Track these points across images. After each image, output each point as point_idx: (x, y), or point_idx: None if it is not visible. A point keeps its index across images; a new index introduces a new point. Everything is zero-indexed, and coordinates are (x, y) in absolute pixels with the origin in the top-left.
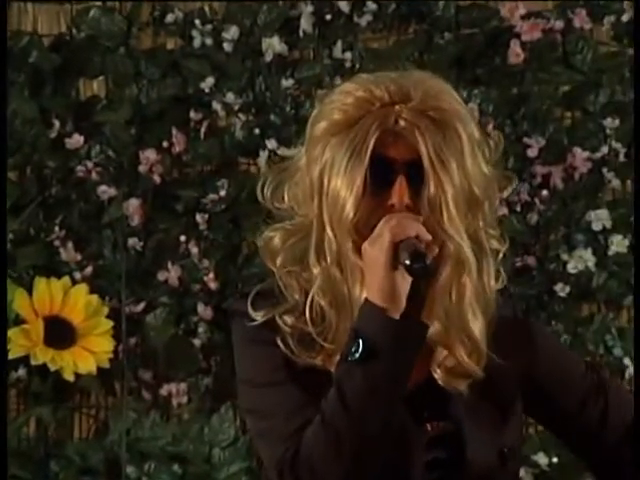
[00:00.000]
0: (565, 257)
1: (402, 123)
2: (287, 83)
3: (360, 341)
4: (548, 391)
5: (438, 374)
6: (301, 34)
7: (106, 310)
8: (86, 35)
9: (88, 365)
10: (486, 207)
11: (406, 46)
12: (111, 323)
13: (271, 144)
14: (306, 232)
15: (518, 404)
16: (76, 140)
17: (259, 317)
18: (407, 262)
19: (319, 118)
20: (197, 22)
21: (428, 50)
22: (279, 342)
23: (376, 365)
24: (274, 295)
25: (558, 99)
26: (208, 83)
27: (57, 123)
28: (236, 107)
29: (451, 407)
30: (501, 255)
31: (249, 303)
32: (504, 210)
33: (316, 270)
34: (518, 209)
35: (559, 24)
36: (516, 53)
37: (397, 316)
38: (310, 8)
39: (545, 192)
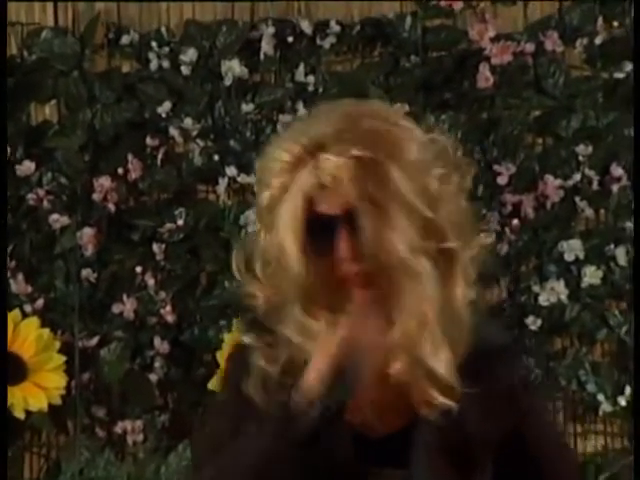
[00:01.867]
0: (537, 289)
1: (327, 178)
2: (247, 108)
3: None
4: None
5: (426, 411)
6: (262, 57)
7: (58, 344)
8: (37, 57)
9: (39, 402)
10: (449, 216)
11: (371, 69)
12: (63, 358)
13: (231, 171)
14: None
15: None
16: (27, 167)
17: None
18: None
19: (260, 187)
20: (154, 44)
21: (394, 73)
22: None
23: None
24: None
25: (529, 125)
26: (165, 107)
27: (7, 149)
28: (194, 132)
29: (413, 456)
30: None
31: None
32: None
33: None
34: None
35: (530, 47)
36: (485, 77)
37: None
38: (271, 30)
39: (516, 221)
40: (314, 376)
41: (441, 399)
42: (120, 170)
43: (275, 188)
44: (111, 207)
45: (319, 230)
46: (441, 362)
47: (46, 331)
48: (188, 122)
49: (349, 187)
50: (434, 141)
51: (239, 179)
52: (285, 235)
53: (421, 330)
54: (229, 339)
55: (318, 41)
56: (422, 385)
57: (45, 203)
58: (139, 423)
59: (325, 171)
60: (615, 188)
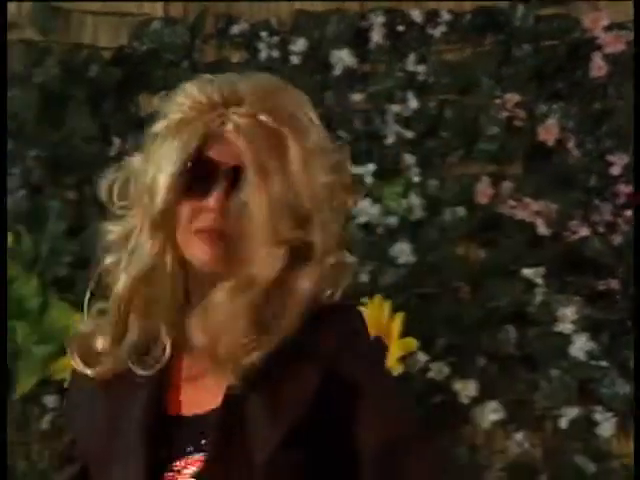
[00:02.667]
0: None
1: (229, 126)
2: (357, 97)
3: None
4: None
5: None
6: (372, 46)
7: None
8: (148, 48)
9: None
10: (325, 218)
11: (482, 58)
12: None
13: None
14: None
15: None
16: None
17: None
18: None
19: (161, 116)
20: (263, 34)
21: (506, 62)
22: None
23: None
24: None
25: None
26: None
27: (117, 140)
28: None
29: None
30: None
31: None
32: (586, 231)
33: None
34: (601, 230)
35: None
36: (599, 66)
37: None
38: (381, 19)
39: (629, 212)
40: None
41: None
42: None
43: (173, 120)
44: None
45: (200, 173)
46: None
47: None
48: None
49: (246, 145)
50: (336, 150)
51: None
52: (166, 164)
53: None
54: None
55: (429, 30)
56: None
57: None
58: None
59: (231, 122)
60: None
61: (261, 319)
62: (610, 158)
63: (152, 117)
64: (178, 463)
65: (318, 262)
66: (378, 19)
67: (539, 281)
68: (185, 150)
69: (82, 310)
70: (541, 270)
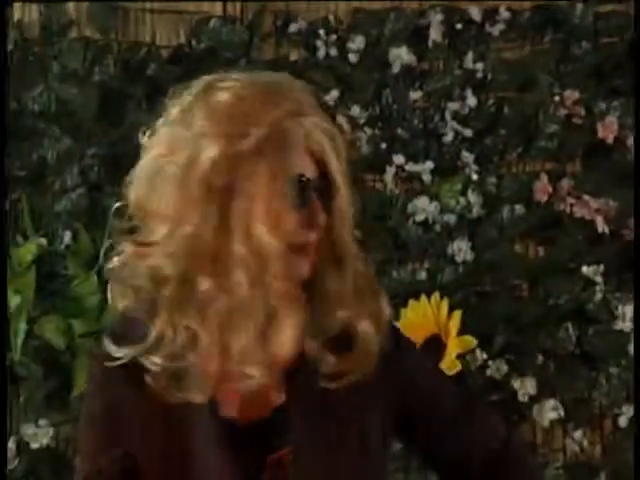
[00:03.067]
0: None
1: (311, 142)
2: (415, 95)
3: None
4: (418, 413)
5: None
6: (430, 44)
7: None
8: (206, 46)
9: None
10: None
11: (541, 56)
12: None
13: (398, 159)
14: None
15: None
16: None
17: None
18: None
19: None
20: (321, 32)
21: (565, 60)
22: (149, 381)
23: None
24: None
25: None
26: (333, 95)
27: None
28: (362, 121)
29: (292, 435)
30: None
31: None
32: None
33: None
34: None
35: None
36: None
37: None
38: (440, 16)
39: None
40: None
41: None
42: None
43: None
44: None
45: (301, 190)
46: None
47: None
48: (356, 110)
49: (330, 153)
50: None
51: (407, 167)
52: (275, 192)
53: (339, 307)
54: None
55: (487, 28)
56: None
57: None
58: None
59: (313, 137)
60: None
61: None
62: None
63: None
64: (269, 461)
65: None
66: (436, 17)
67: (598, 279)
68: (283, 171)
69: None
70: (600, 268)
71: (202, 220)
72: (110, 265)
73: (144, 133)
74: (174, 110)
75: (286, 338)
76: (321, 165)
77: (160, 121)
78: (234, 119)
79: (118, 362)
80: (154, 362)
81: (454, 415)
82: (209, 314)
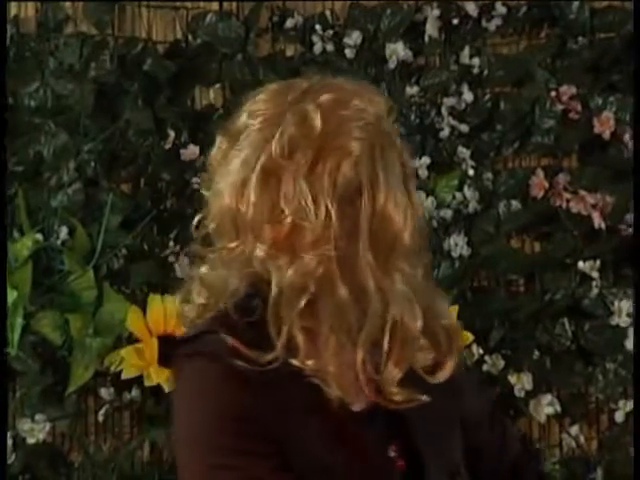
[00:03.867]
0: None
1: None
2: (412, 91)
3: None
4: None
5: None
6: (427, 39)
7: None
8: (202, 41)
9: None
10: None
11: (538, 51)
12: None
13: None
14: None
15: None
16: (192, 151)
17: (265, 360)
18: None
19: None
20: (318, 27)
21: (561, 55)
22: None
23: None
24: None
25: None
26: None
27: (172, 133)
28: None
29: (405, 429)
30: None
31: (242, 346)
32: None
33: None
34: None
35: None
36: None
37: None
38: (436, 12)
39: None
40: None
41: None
42: None
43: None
44: None
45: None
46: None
47: None
48: None
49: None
50: None
51: None
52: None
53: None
54: None
55: (483, 23)
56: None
57: None
58: None
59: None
60: None
61: None
62: None
63: (207, 110)
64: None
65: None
66: (433, 12)
67: (595, 274)
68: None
69: (137, 303)
70: (597, 263)
71: None
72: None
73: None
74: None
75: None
76: None
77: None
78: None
79: (268, 366)
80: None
81: (488, 420)
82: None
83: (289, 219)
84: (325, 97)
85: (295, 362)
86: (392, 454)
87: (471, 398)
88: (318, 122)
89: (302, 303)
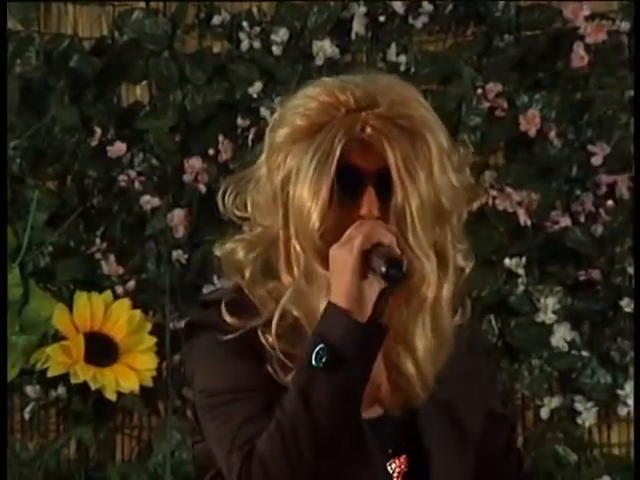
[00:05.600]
0: (631, 270)
1: (369, 131)
2: None
3: (325, 347)
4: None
5: (389, 397)
6: (353, 36)
7: (149, 326)
8: (129, 38)
9: (131, 383)
10: (454, 219)
11: (464, 49)
12: (155, 339)
13: None
14: (269, 243)
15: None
16: (118, 148)
17: (236, 329)
18: (383, 268)
19: (280, 124)
20: (245, 24)
21: (487, 53)
22: (264, 356)
23: (342, 372)
24: (246, 306)
25: (624, 104)
26: (256, 88)
27: (98, 130)
28: None
29: (419, 438)
30: (466, 274)
31: (225, 313)
32: (567, 221)
33: (287, 282)
34: (582, 220)
35: (625, 26)
36: (580, 56)
37: (363, 321)
38: (363, 9)
39: (610, 202)
40: (343, 296)
41: (414, 379)
42: (211, 151)
43: (300, 127)
44: (202, 188)
45: (348, 181)
46: (422, 344)
47: (137, 312)
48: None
49: (391, 148)
50: (462, 148)
51: None
52: (310, 179)
53: (417, 312)
54: None
55: (410, 20)
56: (401, 361)
57: (136, 184)
58: None
59: (371, 126)
60: None
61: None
62: (591, 148)
63: (134, 107)
64: (389, 465)
65: (454, 266)
66: (359, 9)
67: (520, 271)
68: (330, 158)
69: (63, 300)
70: (523, 260)
71: None
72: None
73: None
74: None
75: None
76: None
77: None
78: (286, 108)
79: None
80: (267, 339)
81: (504, 448)
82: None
83: None
84: None
85: None
86: (392, 465)
87: (491, 422)
88: None
89: None
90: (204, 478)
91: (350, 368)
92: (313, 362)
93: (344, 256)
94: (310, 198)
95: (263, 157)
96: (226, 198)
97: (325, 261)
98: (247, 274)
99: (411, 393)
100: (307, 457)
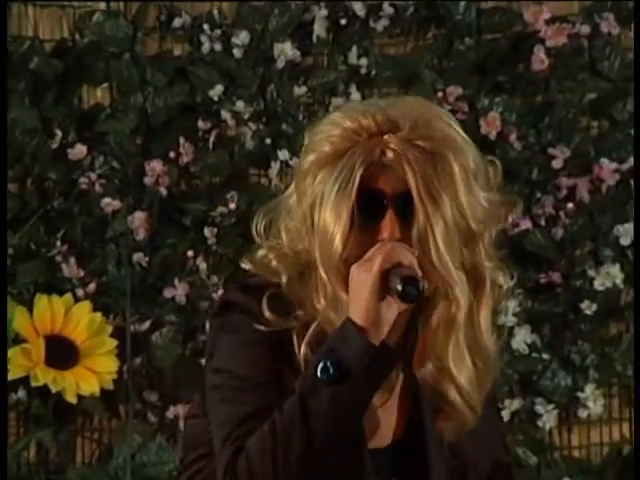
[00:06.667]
0: (592, 273)
1: (390, 154)
2: (300, 91)
3: (334, 361)
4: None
5: (442, 425)
6: (314, 39)
7: (110, 328)
8: (89, 40)
9: (91, 386)
10: (486, 239)
11: (425, 52)
12: (115, 342)
13: (283, 155)
14: (301, 263)
15: None
16: (79, 150)
17: (275, 324)
18: (399, 287)
19: (307, 150)
20: (205, 27)
21: (448, 56)
22: (291, 358)
23: (346, 388)
24: (286, 306)
25: (584, 108)
26: (217, 91)
27: (59, 133)
28: (246, 116)
29: (427, 469)
30: (504, 292)
31: (265, 308)
32: (528, 224)
33: (319, 306)
34: (542, 223)
35: (585, 29)
36: (540, 59)
37: (376, 343)
38: (324, 12)
39: (571, 205)
40: (360, 314)
41: (461, 406)
42: (172, 154)
43: (325, 153)
44: (163, 191)
45: (369, 205)
46: (464, 373)
47: (98, 315)
48: (240, 105)
49: (412, 171)
50: (491, 164)
51: (291, 163)
52: (332, 204)
53: (448, 336)
54: None
55: (371, 23)
56: (445, 390)
57: (97, 187)
58: None
59: (392, 150)
60: None
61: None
62: (552, 151)
63: (94, 109)
64: None
65: (491, 285)
66: (320, 12)
67: None
68: (351, 184)
69: (23, 303)
70: None
71: None
72: None
73: None
74: None
75: None
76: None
77: None
78: (313, 134)
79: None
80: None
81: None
82: None
83: None
84: None
85: None
86: None
87: (496, 471)
88: None
89: None
90: (190, 454)
91: (353, 386)
92: (319, 373)
93: (363, 275)
94: (332, 223)
95: (293, 184)
96: (259, 227)
97: (342, 283)
98: (284, 279)
99: (462, 420)
100: (293, 463)
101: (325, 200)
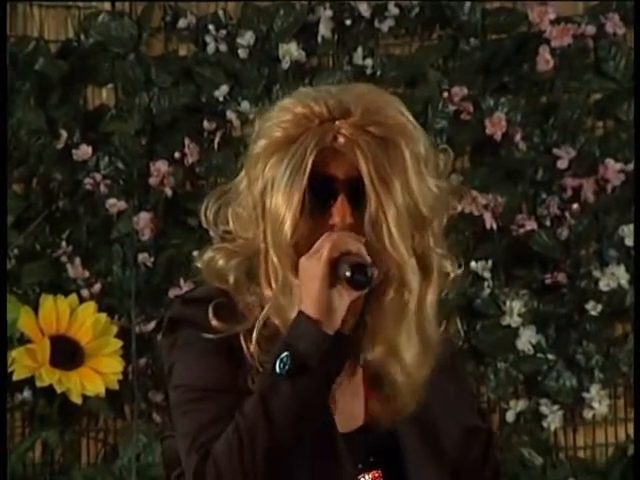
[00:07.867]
0: (597, 274)
1: (341, 140)
2: None
3: (290, 355)
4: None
5: (379, 408)
6: (320, 40)
7: (115, 329)
8: (95, 41)
9: (96, 387)
10: (435, 226)
11: (430, 52)
12: (120, 343)
13: None
14: (250, 253)
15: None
16: (84, 151)
17: (220, 332)
18: (347, 274)
19: (258, 136)
20: (211, 27)
21: (453, 56)
22: (243, 361)
23: (304, 380)
24: (232, 311)
25: (589, 108)
26: (222, 91)
27: (64, 133)
28: (251, 116)
29: (396, 452)
30: (450, 280)
31: (212, 317)
32: (533, 224)
33: (267, 294)
34: (548, 223)
35: (590, 29)
36: (545, 60)
37: (331, 332)
38: (329, 12)
39: (576, 206)
40: (312, 305)
41: (404, 389)
42: (177, 154)
43: (276, 138)
44: (168, 191)
45: (320, 190)
46: (409, 353)
47: (103, 316)
48: (245, 106)
49: (364, 156)
50: (443, 152)
51: None
52: (283, 185)
53: (400, 320)
54: None
55: (376, 24)
56: (391, 372)
57: (102, 187)
58: None
59: (343, 135)
60: None
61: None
62: (557, 152)
63: (100, 110)
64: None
65: (439, 272)
66: (325, 12)
67: (486, 274)
68: (302, 168)
69: (29, 303)
70: (488, 263)
71: None
72: None
73: None
74: None
75: None
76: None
77: None
78: (264, 120)
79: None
80: (248, 347)
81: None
82: None
83: None
84: None
85: None
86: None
87: (469, 436)
88: None
89: None
90: (172, 473)
91: (312, 377)
92: (277, 369)
93: (312, 266)
94: (284, 207)
95: (244, 170)
96: (208, 212)
97: (292, 267)
98: (231, 280)
99: (402, 402)
100: (261, 463)
101: (276, 185)
